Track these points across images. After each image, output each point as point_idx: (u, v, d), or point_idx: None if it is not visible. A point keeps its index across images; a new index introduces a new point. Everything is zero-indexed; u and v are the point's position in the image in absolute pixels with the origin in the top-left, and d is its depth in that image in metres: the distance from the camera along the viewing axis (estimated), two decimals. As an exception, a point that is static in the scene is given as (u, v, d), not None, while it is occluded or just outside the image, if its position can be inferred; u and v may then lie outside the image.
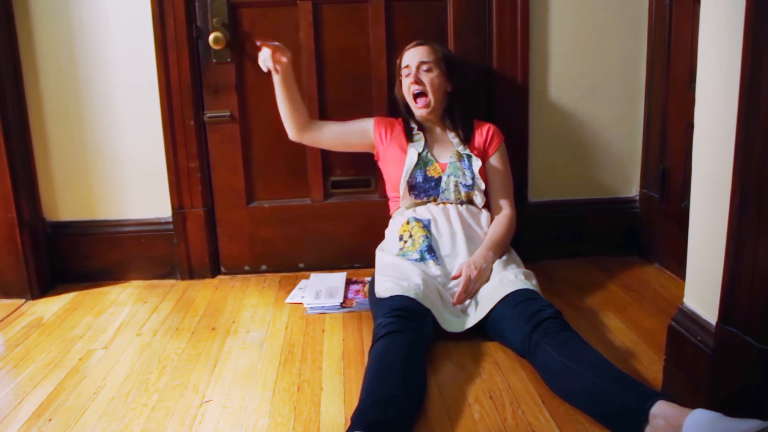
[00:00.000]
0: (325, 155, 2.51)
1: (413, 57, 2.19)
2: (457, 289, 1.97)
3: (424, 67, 2.18)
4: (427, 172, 2.18)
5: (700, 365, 1.44)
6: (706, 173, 1.47)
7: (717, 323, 1.39)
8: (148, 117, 2.44)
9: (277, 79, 2.22)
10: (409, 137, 2.24)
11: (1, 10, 2.28)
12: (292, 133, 2.33)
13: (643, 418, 1.36)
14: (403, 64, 2.22)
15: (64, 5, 2.35)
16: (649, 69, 2.47)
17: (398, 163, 2.22)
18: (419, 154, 2.19)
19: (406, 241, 2.13)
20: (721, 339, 1.38)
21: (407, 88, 2.21)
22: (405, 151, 2.22)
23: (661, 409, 1.34)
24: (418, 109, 2.20)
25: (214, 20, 2.37)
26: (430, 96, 2.17)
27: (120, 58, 2.41)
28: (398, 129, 2.28)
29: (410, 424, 1.50)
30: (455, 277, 2.02)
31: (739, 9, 1.25)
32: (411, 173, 2.18)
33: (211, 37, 2.35)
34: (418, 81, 2.17)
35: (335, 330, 2.05)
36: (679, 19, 2.27)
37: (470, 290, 1.98)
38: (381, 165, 2.34)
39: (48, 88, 2.42)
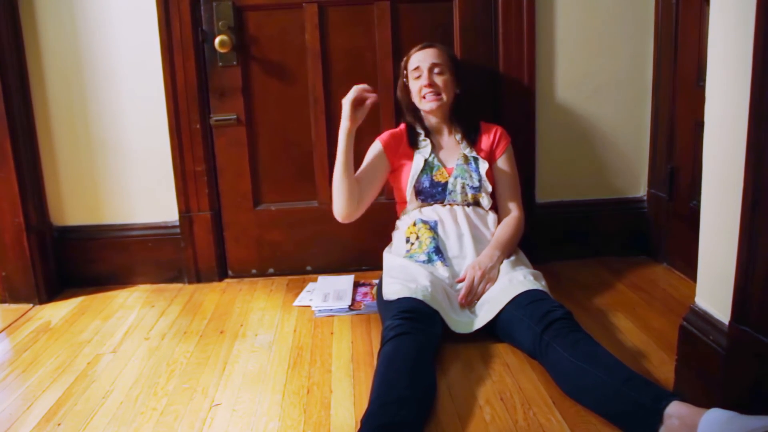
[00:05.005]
0: (332, 157, 2.49)
1: (425, 59, 2.17)
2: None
3: (437, 69, 2.16)
4: (434, 177, 2.16)
5: (713, 365, 1.43)
6: (717, 171, 1.46)
7: (730, 322, 1.38)
8: (154, 121, 2.45)
9: (350, 124, 2.07)
10: (414, 144, 2.23)
11: (7, 16, 2.28)
12: (347, 211, 2.15)
13: (658, 418, 1.35)
14: (412, 66, 2.20)
15: (70, 11, 2.36)
16: (656, 68, 2.47)
17: (405, 172, 2.21)
18: (425, 160, 2.18)
19: (413, 243, 2.12)
20: (734, 338, 1.37)
21: (418, 90, 2.18)
22: (411, 159, 2.21)
23: (675, 409, 1.34)
24: (428, 103, 2.16)
25: (220, 23, 2.37)
26: (443, 96, 2.16)
27: (126, 62, 2.41)
28: (404, 139, 2.24)
29: (421, 426, 1.49)
30: (461, 281, 2.01)
31: (750, 4, 1.25)
32: (417, 178, 2.16)
33: (217, 40, 2.34)
34: (432, 83, 2.15)
35: (344, 332, 2.05)
36: (686, 17, 2.26)
37: (476, 291, 1.98)
38: (390, 175, 2.31)
39: (54, 92, 2.42)
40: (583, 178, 2.58)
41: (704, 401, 1.36)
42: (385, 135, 2.27)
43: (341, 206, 2.15)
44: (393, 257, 2.13)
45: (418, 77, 2.18)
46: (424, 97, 2.17)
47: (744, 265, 1.32)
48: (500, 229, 2.15)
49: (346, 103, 2.06)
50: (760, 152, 1.25)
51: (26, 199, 2.37)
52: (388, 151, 2.23)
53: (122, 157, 2.48)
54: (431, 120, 2.25)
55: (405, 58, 2.25)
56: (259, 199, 2.56)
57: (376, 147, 2.24)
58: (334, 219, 2.22)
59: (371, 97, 2.08)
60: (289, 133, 2.50)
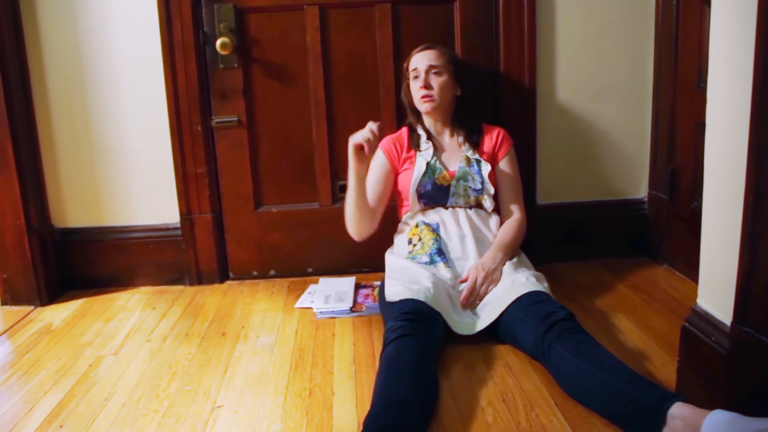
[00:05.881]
0: (333, 159, 2.51)
1: (422, 61, 2.17)
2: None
3: (434, 71, 2.16)
4: (437, 180, 2.15)
5: (715, 366, 1.43)
6: (718, 172, 1.46)
7: (732, 323, 1.38)
8: (155, 123, 2.45)
9: (357, 166, 2.05)
10: (416, 146, 2.22)
11: (9, 17, 2.29)
12: (366, 232, 2.18)
13: (661, 420, 1.35)
14: (411, 67, 2.20)
15: (71, 13, 2.36)
16: (657, 69, 2.47)
17: (407, 175, 2.20)
18: (428, 163, 2.17)
19: (415, 245, 2.12)
20: (736, 339, 1.37)
21: (416, 91, 2.18)
22: (413, 162, 2.20)
23: (678, 410, 1.34)
24: (423, 104, 2.17)
25: (221, 25, 2.37)
26: (437, 97, 2.16)
27: (127, 64, 2.41)
28: (405, 143, 2.23)
29: (423, 428, 1.49)
30: (463, 281, 2.01)
31: (750, 4, 1.25)
32: (420, 182, 2.16)
33: (219, 42, 2.35)
34: (427, 85, 2.15)
35: (345, 334, 2.05)
36: (686, 19, 2.27)
37: (478, 292, 1.98)
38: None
39: (56, 94, 2.42)
40: (584, 179, 2.58)
41: (706, 402, 1.36)
42: (386, 141, 2.25)
43: (360, 230, 2.19)
44: (395, 258, 2.12)
45: (416, 77, 2.18)
46: (422, 98, 2.16)
47: (746, 266, 1.32)
48: (502, 230, 2.15)
49: (350, 148, 2.03)
50: (761, 153, 1.25)
51: (27, 201, 2.37)
52: (391, 158, 2.22)
53: (123, 159, 2.49)
54: (432, 122, 2.25)
55: (407, 60, 2.25)
56: (260, 201, 2.56)
57: (379, 157, 2.22)
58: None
59: (369, 143, 2.00)
60: (290, 134, 2.50)
